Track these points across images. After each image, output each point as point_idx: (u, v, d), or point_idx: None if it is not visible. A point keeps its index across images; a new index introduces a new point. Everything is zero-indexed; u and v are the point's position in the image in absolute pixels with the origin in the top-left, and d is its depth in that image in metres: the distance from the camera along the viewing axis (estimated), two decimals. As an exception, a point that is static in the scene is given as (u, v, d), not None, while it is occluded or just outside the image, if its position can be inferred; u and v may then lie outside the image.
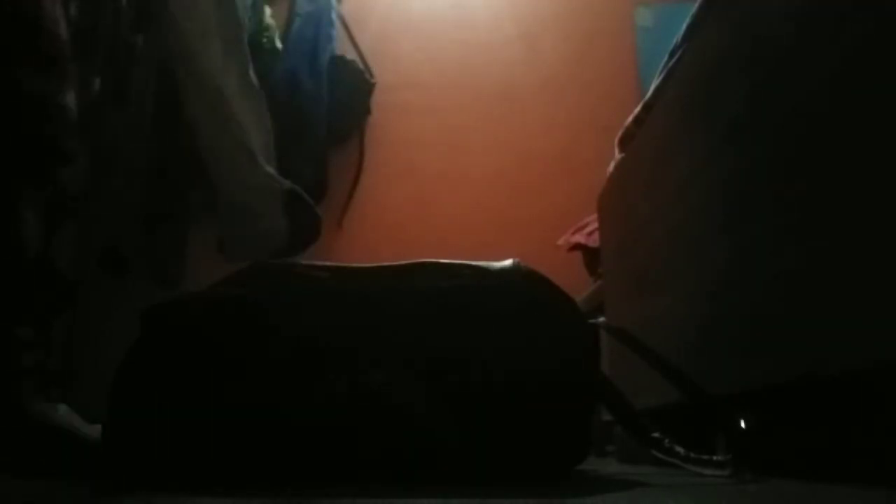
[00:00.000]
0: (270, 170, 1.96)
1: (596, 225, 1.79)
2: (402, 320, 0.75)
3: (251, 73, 1.95)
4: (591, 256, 1.96)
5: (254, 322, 0.75)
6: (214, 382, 0.72)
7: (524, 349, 0.74)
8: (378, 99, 2.66)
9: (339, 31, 2.65)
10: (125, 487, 0.66)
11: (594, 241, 1.87)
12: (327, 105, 2.47)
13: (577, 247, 2.03)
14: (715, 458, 0.76)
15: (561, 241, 2.08)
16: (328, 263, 0.81)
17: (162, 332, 0.76)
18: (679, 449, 0.77)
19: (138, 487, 0.66)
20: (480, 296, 0.76)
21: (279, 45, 2.46)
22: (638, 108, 1.32)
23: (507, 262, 0.79)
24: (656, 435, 0.78)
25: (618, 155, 1.49)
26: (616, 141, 1.46)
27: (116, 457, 0.73)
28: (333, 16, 2.63)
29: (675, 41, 1.13)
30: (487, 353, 0.73)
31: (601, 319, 0.86)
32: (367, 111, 2.65)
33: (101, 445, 0.74)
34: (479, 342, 0.73)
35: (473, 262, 0.79)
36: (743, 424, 0.80)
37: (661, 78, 1.20)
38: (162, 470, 0.71)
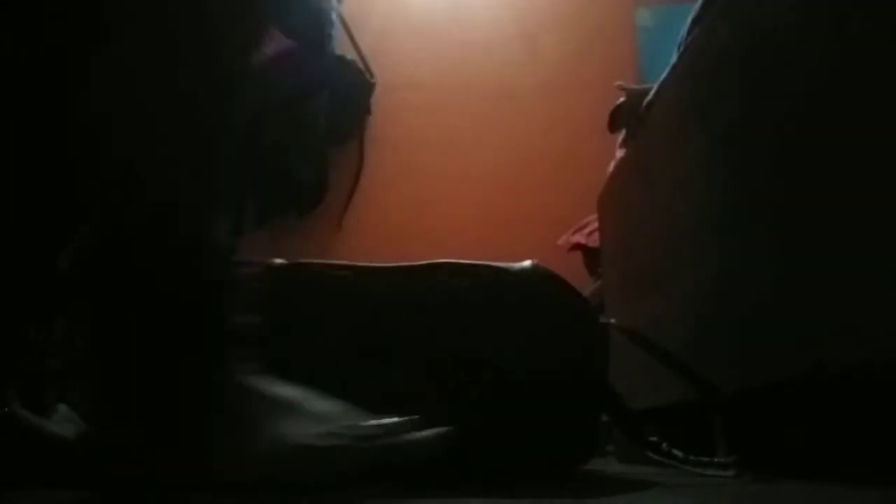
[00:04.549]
0: None
1: (596, 225, 1.79)
2: (420, 319, 0.75)
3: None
4: (591, 256, 1.96)
5: (276, 318, 0.76)
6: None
7: (540, 350, 0.75)
8: (378, 99, 2.65)
9: (339, 31, 2.64)
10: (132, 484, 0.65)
11: (594, 241, 1.87)
12: (327, 105, 2.47)
13: (577, 247, 2.03)
14: (714, 459, 0.76)
15: (561, 241, 2.08)
16: (348, 262, 0.81)
17: None
18: (676, 452, 0.77)
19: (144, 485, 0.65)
20: (498, 296, 0.76)
21: (279, 44, 2.46)
22: (644, 102, 1.32)
23: (526, 264, 0.80)
24: (654, 438, 0.79)
25: (618, 154, 1.49)
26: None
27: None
28: (333, 16, 2.62)
29: (680, 38, 1.13)
30: (504, 353, 0.74)
31: (612, 321, 0.87)
32: (367, 111, 2.65)
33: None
34: (495, 342, 0.74)
35: (492, 263, 0.79)
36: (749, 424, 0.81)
37: (664, 76, 1.20)
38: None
